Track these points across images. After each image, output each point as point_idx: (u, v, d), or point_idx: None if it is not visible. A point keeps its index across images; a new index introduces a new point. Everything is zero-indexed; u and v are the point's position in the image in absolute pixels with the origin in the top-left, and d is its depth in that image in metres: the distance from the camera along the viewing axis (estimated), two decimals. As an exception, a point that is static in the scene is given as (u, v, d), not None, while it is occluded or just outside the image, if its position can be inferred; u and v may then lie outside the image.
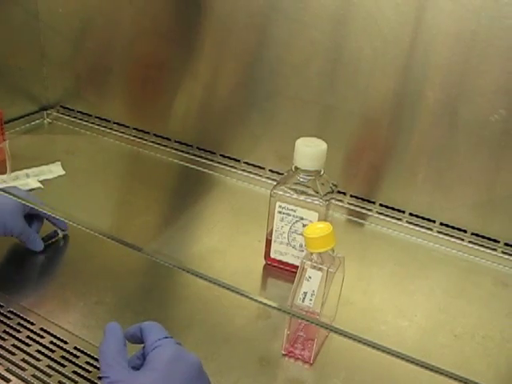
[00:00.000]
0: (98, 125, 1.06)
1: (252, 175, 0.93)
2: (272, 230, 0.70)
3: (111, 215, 0.83)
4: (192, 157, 0.98)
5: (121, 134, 1.04)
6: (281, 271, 0.72)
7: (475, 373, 0.60)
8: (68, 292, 0.66)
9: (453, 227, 0.81)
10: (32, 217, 0.73)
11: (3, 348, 0.57)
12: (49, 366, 0.56)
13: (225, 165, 0.95)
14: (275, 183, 0.70)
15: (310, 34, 0.80)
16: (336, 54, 0.79)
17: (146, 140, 1.02)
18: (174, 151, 0.99)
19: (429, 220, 0.82)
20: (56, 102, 1.10)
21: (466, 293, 0.72)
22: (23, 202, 0.68)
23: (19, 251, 0.72)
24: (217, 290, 0.64)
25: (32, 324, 0.61)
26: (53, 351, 0.58)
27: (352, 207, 0.87)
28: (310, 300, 0.56)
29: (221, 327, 0.63)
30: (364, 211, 0.86)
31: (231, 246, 0.77)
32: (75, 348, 0.58)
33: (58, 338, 0.59)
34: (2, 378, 0.54)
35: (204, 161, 0.97)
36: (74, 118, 1.08)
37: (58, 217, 0.72)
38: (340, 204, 0.86)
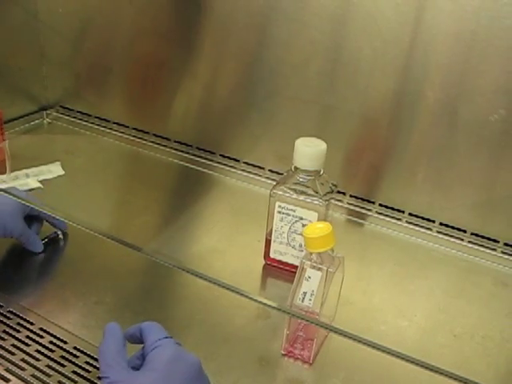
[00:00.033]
0: (97, 125, 1.06)
1: (252, 175, 0.93)
2: (271, 229, 0.70)
3: (111, 215, 0.83)
4: (192, 157, 0.98)
5: (120, 134, 1.04)
6: (280, 271, 0.72)
7: (475, 373, 0.60)
8: (67, 292, 0.66)
9: (452, 227, 0.81)
10: (32, 218, 0.72)
11: (3, 348, 0.57)
12: (48, 366, 0.56)
13: (224, 165, 0.95)
14: (275, 183, 0.69)
15: (310, 34, 0.80)
16: (336, 54, 0.79)
17: (145, 140, 1.02)
18: (173, 151, 0.99)
19: (428, 220, 0.82)
20: (56, 102, 1.10)
21: (466, 293, 0.72)
22: (23, 203, 0.68)
23: (19, 251, 0.72)
24: (216, 289, 0.63)
25: (31, 324, 0.61)
26: (52, 351, 0.58)
27: (352, 207, 0.87)
28: (310, 300, 0.56)
29: (220, 327, 0.63)
30: (364, 211, 0.86)
31: (231, 245, 0.77)
32: (75, 348, 0.58)
33: (58, 338, 0.59)
34: (2, 378, 0.54)
35: (204, 161, 0.97)
36: (74, 117, 1.08)
37: (57, 217, 0.72)
38: (339, 204, 0.86)
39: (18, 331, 0.60)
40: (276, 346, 0.61)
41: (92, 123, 1.06)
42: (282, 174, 0.72)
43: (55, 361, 0.57)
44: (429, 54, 0.73)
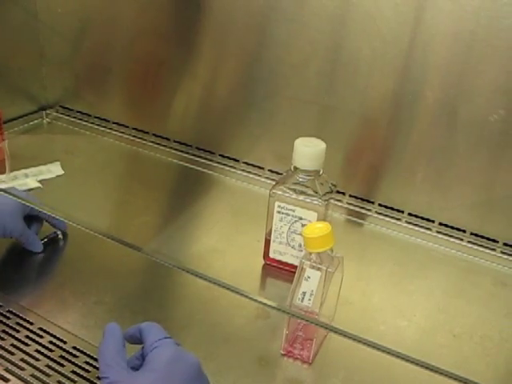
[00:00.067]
0: (97, 125, 1.06)
1: (251, 175, 0.93)
2: (271, 229, 0.70)
3: (110, 215, 0.83)
4: (191, 157, 0.98)
5: (120, 134, 1.04)
6: (280, 271, 0.72)
7: (474, 372, 0.60)
8: (67, 292, 0.66)
9: (452, 227, 0.81)
10: (31, 218, 0.72)
11: (2, 348, 0.57)
12: (48, 366, 0.56)
13: (224, 165, 0.95)
14: (274, 183, 0.69)
15: (309, 34, 0.80)
16: (335, 54, 0.79)
17: (145, 140, 1.02)
18: (173, 151, 0.99)
19: (428, 220, 0.82)
20: (55, 102, 1.10)
21: (465, 293, 0.72)
22: (23, 203, 0.68)
23: (18, 251, 0.72)
24: (216, 289, 0.63)
25: (31, 324, 0.61)
26: (52, 351, 0.58)
27: (351, 207, 0.87)
28: (309, 300, 0.56)
29: (220, 327, 0.63)
30: (363, 211, 0.86)
31: (230, 245, 0.77)
32: (74, 348, 0.58)
33: (57, 338, 0.59)
34: (1, 378, 0.54)
35: (203, 161, 0.97)
36: (74, 117, 1.08)
37: (57, 217, 0.72)
38: (339, 204, 0.87)
39: (18, 331, 0.60)
40: (275, 346, 0.61)
41: (91, 123, 1.06)
42: (281, 173, 0.72)
43: (55, 361, 0.57)
44: (428, 54, 0.73)
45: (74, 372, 0.55)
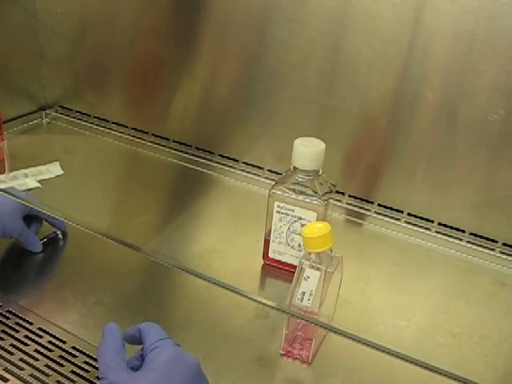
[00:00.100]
0: (96, 125, 1.06)
1: (250, 175, 0.93)
2: (270, 229, 0.70)
3: (110, 215, 0.83)
4: (190, 157, 0.98)
5: (119, 134, 1.04)
6: (279, 271, 0.72)
7: (473, 372, 0.60)
8: (66, 292, 0.66)
9: (451, 227, 0.81)
10: (31, 218, 0.72)
11: (1, 348, 0.57)
12: (47, 366, 0.56)
13: (223, 165, 0.95)
14: (274, 183, 0.69)
15: (309, 34, 0.80)
16: (335, 54, 0.79)
17: (144, 140, 1.02)
18: (172, 151, 0.99)
19: (427, 220, 0.82)
20: (54, 102, 1.10)
21: (465, 293, 0.72)
22: (22, 203, 0.68)
23: (18, 250, 0.72)
24: (215, 289, 0.63)
25: (30, 324, 0.61)
26: (51, 351, 0.58)
27: (350, 207, 0.87)
28: (309, 300, 0.56)
29: (219, 327, 0.63)
30: (362, 211, 0.86)
31: (230, 245, 0.77)
32: (73, 348, 0.58)
33: (57, 338, 0.59)
34: (1, 378, 0.54)
35: (202, 161, 0.97)
36: (73, 117, 1.08)
37: (56, 217, 0.72)
38: (338, 204, 0.87)
39: (17, 331, 0.60)
40: (275, 346, 0.61)
41: (91, 123, 1.06)
42: (280, 173, 0.72)
43: (54, 360, 0.57)
44: (428, 54, 0.73)
45: (73, 372, 0.55)
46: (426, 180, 0.80)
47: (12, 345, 0.58)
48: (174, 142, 1.00)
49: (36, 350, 0.58)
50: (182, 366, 0.46)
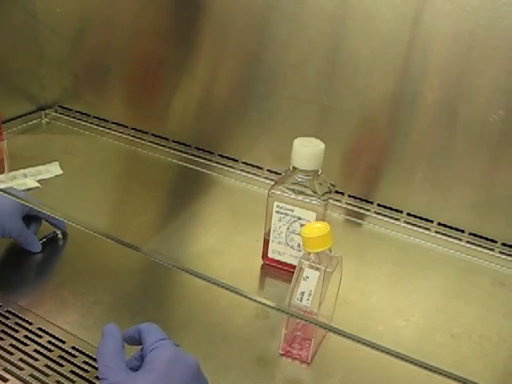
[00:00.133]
0: (96, 125, 1.06)
1: (250, 175, 0.93)
2: (270, 229, 0.70)
3: (109, 215, 0.83)
4: (190, 157, 0.98)
5: (119, 134, 1.04)
6: (278, 271, 0.72)
7: (472, 372, 0.60)
8: (66, 292, 0.66)
9: (451, 227, 0.81)
10: (30, 218, 0.72)
11: (1, 348, 0.57)
12: (46, 366, 0.56)
13: (223, 165, 0.95)
14: (273, 183, 0.70)
15: (309, 35, 0.80)
16: (334, 55, 0.79)
17: (144, 140, 1.02)
18: (172, 151, 0.99)
19: (427, 220, 0.82)
20: (54, 102, 1.10)
21: (464, 293, 0.72)
22: (22, 203, 0.68)
23: (17, 250, 0.72)
24: (215, 289, 0.63)
25: (30, 324, 0.61)
26: (51, 351, 0.58)
27: (350, 207, 0.87)
28: (308, 300, 0.56)
29: (219, 327, 0.63)
30: (362, 211, 0.86)
31: (229, 245, 0.77)
32: (73, 348, 0.58)
33: (56, 338, 0.59)
34: (0, 378, 0.54)
35: (202, 161, 0.97)
36: (72, 117, 1.08)
37: (56, 217, 0.72)
38: (338, 204, 0.87)
39: (17, 331, 0.60)
40: (274, 346, 0.61)
41: (90, 123, 1.06)
42: (280, 173, 0.72)
43: (53, 360, 0.57)
44: (427, 55, 0.73)
45: (72, 372, 0.55)
46: (426, 180, 0.80)
47: (11, 345, 0.58)
48: (173, 141, 1.00)
49: (35, 350, 0.58)
50: (182, 366, 0.46)
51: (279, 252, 0.71)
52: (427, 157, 0.79)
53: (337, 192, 0.86)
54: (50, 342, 0.59)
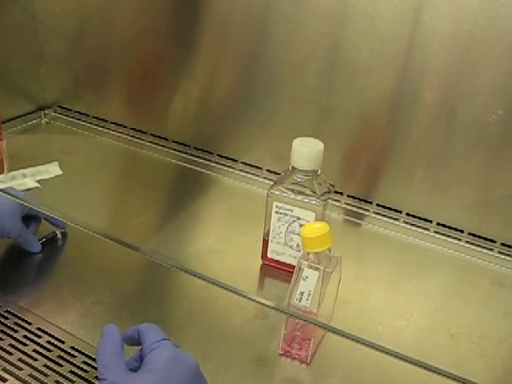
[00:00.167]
0: (95, 125, 1.06)
1: (249, 175, 0.93)
2: (269, 229, 0.70)
3: (108, 215, 0.83)
4: (189, 157, 0.98)
5: (118, 134, 1.04)
6: (278, 271, 0.72)
7: (472, 372, 0.60)
8: (65, 292, 0.66)
9: (450, 227, 0.81)
10: (29, 218, 0.72)
11: (0, 348, 0.57)
12: (46, 366, 0.56)
13: (222, 165, 0.95)
14: (272, 183, 0.70)
15: (308, 35, 0.80)
16: (334, 55, 0.79)
17: (143, 140, 1.02)
18: (171, 151, 0.99)
19: (426, 220, 0.82)
20: (53, 102, 1.09)
21: (463, 293, 0.72)
22: (21, 203, 0.68)
23: (16, 250, 0.72)
24: (214, 289, 0.63)
25: (29, 324, 0.61)
26: (50, 351, 0.58)
27: (349, 207, 0.87)
28: (307, 300, 0.56)
29: (218, 327, 0.63)
30: (361, 211, 0.86)
31: (228, 245, 0.77)
32: (72, 348, 0.58)
33: (55, 338, 0.59)
34: (-1, 378, 0.54)
35: (201, 161, 0.97)
36: (72, 117, 1.08)
37: (55, 217, 0.72)
38: (337, 204, 0.87)
39: (16, 331, 0.60)
40: (273, 346, 0.61)
41: (90, 123, 1.06)
42: (279, 173, 0.72)
43: (53, 360, 0.57)
44: (427, 55, 0.74)
45: (72, 372, 0.55)
46: (425, 180, 0.80)
47: (11, 345, 0.58)
48: (173, 142, 1.00)
49: (35, 350, 0.58)
50: (181, 366, 0.46)
51: (278, 252, 0.71)
52: (426, 157, 0.79)
53: (336, 192, 0.86)
54: (49, 342, 0.59)
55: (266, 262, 0.73)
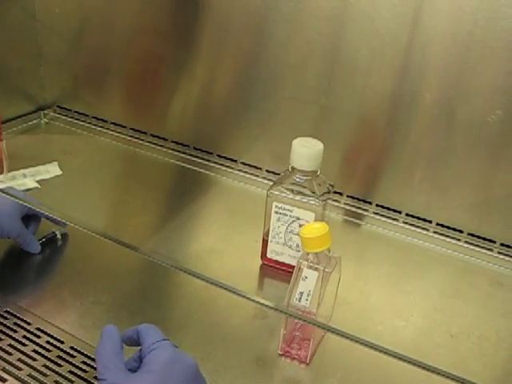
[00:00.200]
0: (94, 125, 1.06)
1: (249, 175, 0.93)
2: (268, 230, 0.70)
3: (108, 215, 0.83)
4: (189, 157, 0.98)
5: (118, 134, 1.04)
6: (277, 271, 0.72)
7: (471, 372, 0.60)
8: (65, 292, 0.66)
9: (449, 227, 0.81)
10: (29, 217, 0.72)
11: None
12: (45, 366, 0.56)
13: (221, 165, 0.95)
14: (272, 183, 0.70)
15: (308, 35, 0.80)
16: (333, 55, 0.79)
17: (142, 140, 1.02)
18: (170, 151, 0.99)
19: (425, 220, 0.82)
20: (53, 102, 1.09)
21: (462, 293, 0.72)
22: (21, 203, 0.68)
23: (16, 251, 0.72)
24: (214, 289, 0.64)
25: (28, 324, 0.61)
26: (49, 351, 0.58)
27: (348, 207, 0.87)
28: (307, 300, 0.56)
29: (217, 327, 0.63)
30: (360, 211, 0.86)
31: (228, 246, 0.77)
32: (71, 348, 0.58)
33: (55, 338, 0.59)
34: (-1, 378, 0.54)
35: (201, 161, 0.97)
36: (71, 118, 1.08)
37: (55, 217, 0.72)
38: (336, 204, 0.87)
39: (15, 331, 0.60)
40: (273, 346, 0.61)
41: (89, 123, 1.06)
42: (279, 174, 0.72)
43: (52, 361, 0.57)
44: (426, 55, 0.74)
45: (71, 372, 0.55)
46: (425, 180, 0.80)
47: (10, 345, 0.58)
48: (172, 142, 1.00)
49: (34, 351, 0.58)
50: (180, 367, 0.46)
51: (278, 252, 0.71)
52: (426, 157, 0.79)
53: (335, 192, 0.86)
54: (48, 342, 0.59)
55: (266, 262, 0.73)
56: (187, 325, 0.63)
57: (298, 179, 0.68)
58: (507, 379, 0.61)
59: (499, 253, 0.78)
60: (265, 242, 0.72)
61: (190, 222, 0.83)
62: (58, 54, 1.04)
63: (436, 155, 0.78)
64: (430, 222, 0.82)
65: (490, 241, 0.79)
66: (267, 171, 0.92)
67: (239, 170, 0.94)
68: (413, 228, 0.83)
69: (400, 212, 0.84)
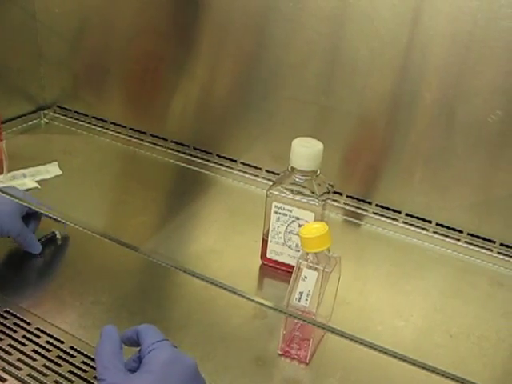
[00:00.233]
0: (94, 125, 1.06)
1: (248, 175, 0.93)
2: (268, 230, 0.70)
3: (108, 215, 0.83)
4: (188, 157, 0.98)
5: (117, 134, 1.04)
6: (277, 271, 0.72)
7: (471, 372, 0.60)
8: (64, 292, 0.66)
9: (449, 227, 0.81)
10: (29, 216, 0.72)
11: (-1, 348, 0.58)
12: (45, 366, 0.56)
13: (221, 165, 0.95)
14: (271, 183, 0.70)
15: (307, 35, 0.80)
16: (333, 55, 0.79)
17: (142, 140, 1.02)
18: (170, 151, 0.99)
19: (425, 220, 0.82)
20: (53, 102, 1.10)
21: (462, 293, 0.72)
22: (21, 202, 0.68)
23: (16, 251, 0.72)
24: (213, 289, 0.64)
25: (28, 324, 0.61)
26: (49, 351, 0.58)
27: (348, 207, 0.87)
28: (306, 300, 0.56)
29: (217, 327, 0.63)
30: (360, 211, 0.86)
31: (228, 246, 0.77)
32: (71, 348, 0.58)
33: (54, 338, 0.59)
34: (-2, 378, 0.54)
35: (200, 161, 0.97)
36: (71, 118, 1.08)
37: (54, 217, 0.72)
38: (336, 204, 0.87)
39: (15, 331, 0.60)
40: (273, 346, 0.61)
41: (89, 123, 1.06)
42: (278, 174, 0.72)
43: (52, 361, 0.57)
44: (426, 55, 0.74)
45: (71, 372, 0.55)
46: (424, 180, 0.80)
47: (10, 345, 0.58)
48: (172, 142, 1.00)
49: (34, 350, 0.58)
50: (180, 367, 0.46)
51: (277, 252, 0.71)
52: (426, 157, 0.79)
53: (335, 192, 0.86)
54: (48, 342, 0.59)
55: (265, 262, 0.73)
56: (187, 325, 0.63)
57: (297, 179, 0.68)
58: (507, 379, 0.61)
59: (499, 253, 0.78)
60: (264, 242, 0.72)
61: (190, 222, 0.83)
62: (58, 54, 1.04)
63: (436, 155, 0.78)
64: (430, 222, 0.82)
65: (490, 241, 0.79)
66: (267, 171, 0.92)
67: (239, 170, 0.94)
68: (412, 228, 0.83)
69: (400, 212, 0.84)
